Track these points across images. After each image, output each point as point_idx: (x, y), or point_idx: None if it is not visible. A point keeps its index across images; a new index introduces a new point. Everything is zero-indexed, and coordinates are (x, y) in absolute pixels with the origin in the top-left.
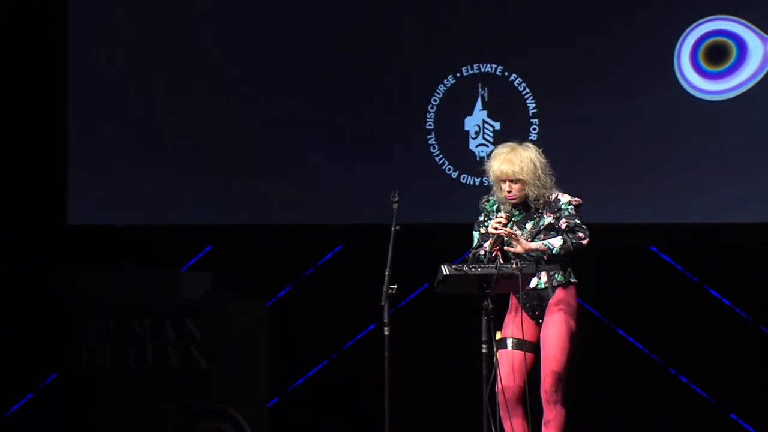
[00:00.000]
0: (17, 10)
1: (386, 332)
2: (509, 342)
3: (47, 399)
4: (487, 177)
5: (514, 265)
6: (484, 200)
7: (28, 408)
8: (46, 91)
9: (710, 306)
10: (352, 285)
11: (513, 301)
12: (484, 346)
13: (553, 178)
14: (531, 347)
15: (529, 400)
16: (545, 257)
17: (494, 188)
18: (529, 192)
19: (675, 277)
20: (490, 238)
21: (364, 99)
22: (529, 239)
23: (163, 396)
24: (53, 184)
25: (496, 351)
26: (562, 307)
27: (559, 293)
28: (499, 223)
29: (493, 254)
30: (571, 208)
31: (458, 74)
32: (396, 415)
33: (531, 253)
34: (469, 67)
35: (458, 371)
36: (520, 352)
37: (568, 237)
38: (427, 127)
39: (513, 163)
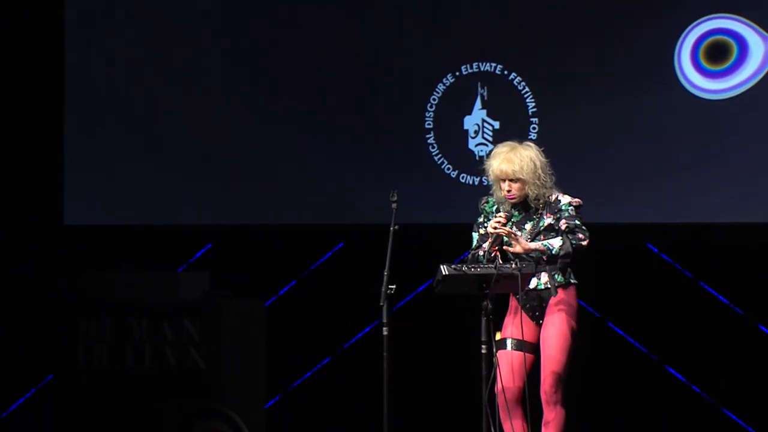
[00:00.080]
0: (13, 9)
1: (385, 332)
2: (509, 342)
3: (44, 399)
4: (487, 176)
5: (513, 266)
6: (483, 201)
7: (25, 408)
8: (43, 91)
9: (710, 306)
10: (350, 285)
11: (513, 301)
12: (483, 346)
13: (554, 178)
14: (531, 348)
15: (529, 400)
16: (544, 258)
17: (494, 187)
18: (529, 191)
19: (675, 277)
20: (489, 238)
21: (363, 98)
22: (529, 240)
23: (161, 396)
24: (50, 184)
25: (496, 351)
26: (562, 307)
27: (559, 294)
28: (498, 222)
29: (492, 254)
30: (572, 209)
31: (457, 73)
32: (395, 415)
33: (530, 254)
34: (468, 65)
35: (457, 372)
36: (519, 353)
37: (568, 238)
38: (426, 126)
39: (513, 162)
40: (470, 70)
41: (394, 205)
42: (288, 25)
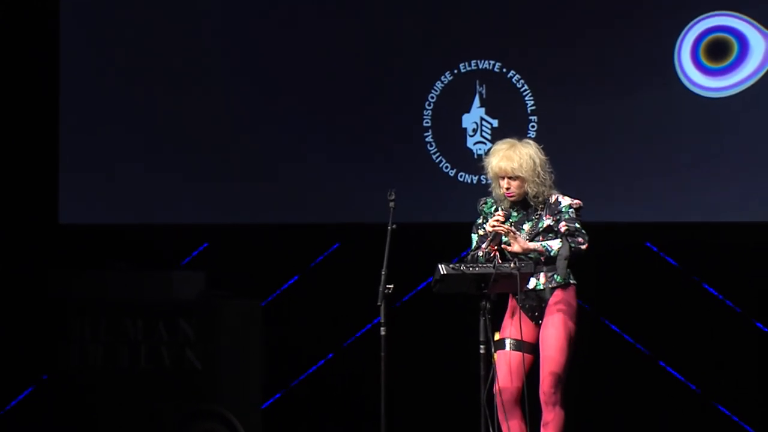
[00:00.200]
0: (9, 7)
1: (383, 332)
2: (508, 343)
3: (38, 400)
4: (486, 174)
5: (512, 265)
6: (482, 202)
7: (19, 410)
8: (38, 89)
9: (710, 305)
10: (348, 285)
11: (512, 301)
12: (481, 346)
13: (553, 176)
14: (530, 348)
15: (528, 401)
16: (542, 259)
17: (492, 185)
18: (528, 189)
19: (675, 277)
20: (488, 237)
21: (361, 96)
22: (528, 240)
23: (157, 397)
24: (45, 182)
25: (495, 352)
26: (561, 307)
27: (559, 294)
28: (497, 221)
29: (492, 254)
30: (572, 212)
31: (455, 71)
32: (393, 416)
33: (529, 254)
34: (466, 63)
35: (456, 372)
36: (518, 353)
37: (568, 241)
38: (425, 124)
39: (512, 159)
40: (469, 68)
41: (391, 204)
42: (286, 24)
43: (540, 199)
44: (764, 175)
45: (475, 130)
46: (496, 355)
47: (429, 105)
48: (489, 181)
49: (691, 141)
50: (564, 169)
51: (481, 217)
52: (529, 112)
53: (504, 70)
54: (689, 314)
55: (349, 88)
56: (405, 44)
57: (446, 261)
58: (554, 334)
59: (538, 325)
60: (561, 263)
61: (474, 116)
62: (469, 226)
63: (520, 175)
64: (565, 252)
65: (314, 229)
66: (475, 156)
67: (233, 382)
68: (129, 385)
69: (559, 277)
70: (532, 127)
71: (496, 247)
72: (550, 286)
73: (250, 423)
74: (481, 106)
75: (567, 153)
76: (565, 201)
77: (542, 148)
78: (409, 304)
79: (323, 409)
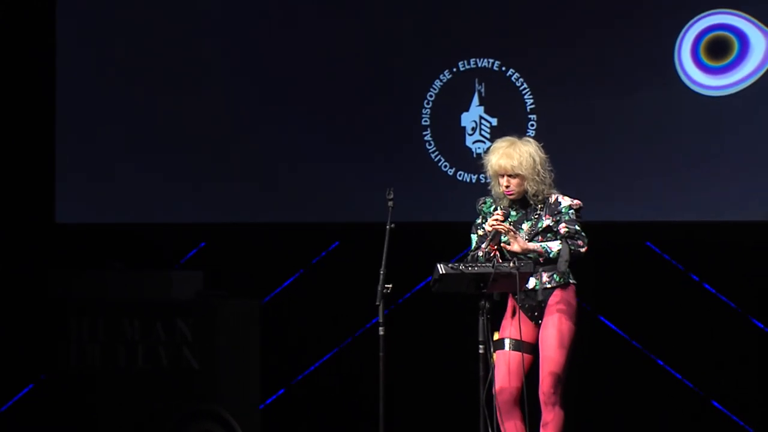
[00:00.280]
0: (5, 6)
1: (381, 332)
2: (507, 343)
3: (35, 400)
4: (485, 171)
5: (511, 265)
6: (481, 202)
7: (16, 410)
8: (34, 88)
9: (710, 304)
10: (346, 284)
11: (511, 301)
12: (480, 346)
13: (553, 174)
14: (529, 348)
15: (528, 401)
16: (541, 260)
17: (492, 183)
18: (528, 187)
19: (675, 276)
20: (488, 236)
21: (359, 95)
22: (527, 240)
23: (154, 397)
24: (41, 182)
25: (494, 352)
26: (561, 307)
27: (559, 293)
28: (496, 220)
29: (491, 253)
30: (572, 213)
31: (454, 69)
32: (391, 416)
33: (528, 254)
34: (465, 61)
35: (455, 372)
36: (517, 353)
37: (567, 243)
38: (423, 123)
39: (512, 157)
40: (467, 66)
41: (390, 203)
42: (284, 22)
43: (539, 197)
44: (765, 174)
45: (474, 129)
46: (495, 355)
47: (428, 103)
48: (488, 180)
49: (692, 140)
50: (563, 168)
51: (480, 216)
52: (528, 110)
53: (503, 68)
54: (689, 314)
55: (347, 86)
56: (404, 43)
57: (445, 260)
58: (554, 334)
59: (538, 325)
60: (562, 266)
61: (473, 115)
62: (468, 226)
63: (520, 173)
64: (566, 255)
65: (313, 228)
66: (474, 155)
67: (231, 382)
68: (126, 385)
69: (558, 277)
70: (532, 125)
71: (495, 247)
72: (544, 287)
73: (248, 423)
74: (480, 105)
75: (566, 152)
76: (565, 201)
77: (542, 147)
78: (407, 304)
79: (322, 409)
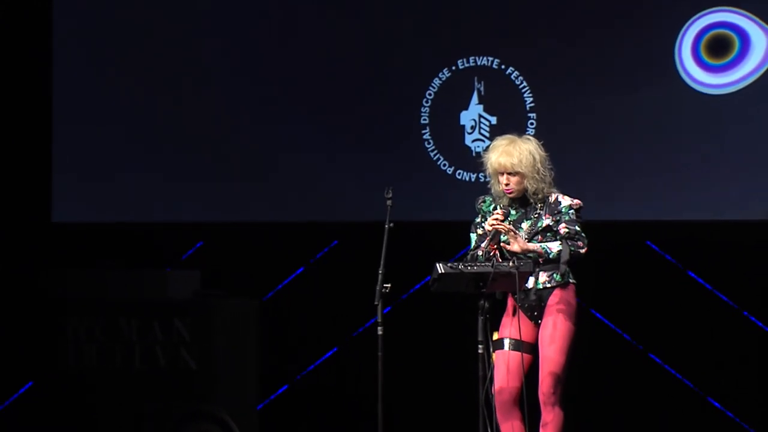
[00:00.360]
0: (2, 4)
1: (380, 332)
2: (507, 342)
3: (32, 401)
4: (485, 170)
5: (511, 264)
6: (480, 201)
7: (11, 409)
8: (31, 87)
9: (710, 304)
10: (345, 284)
11: (511, 301)
12: (480, 346)
13: (553, 173)
14: (529, 348)
15: (527, 401)
16: (541, 260)
17: (492, 181)
18: (528, 186)
19: (675, 275)
20: (487, 236)
21: (358, 94)
22: (526, 240)
23: (151, 397)
24: (38, 181)
25: (493, 351)
26: (561, 307)
27: (558, 293)
28: (496, 219)
29: (491, 252)
30: (572, 213)
31: (453, 67)
32: (390, 416)
33: (528, 254)
34: (464, 60)
35: (454, 372)
36: (517, 353)
37: (567, 244)
38: (422, 121)
39: (512, 155)
40: (467, 65)
41: (389, 202)
42: (283, 22)
43: (539, 196)
44: (765, 174)
45: (473, 128)
46: (494, 355)
47: (427, 102)
48: (488, 179)
49: (692, 138)
50: (563, 167)
51: (480, 215)
52: (528, 109)
53: (503, 66)
54: (689, 313)
55: (346, 85)
56: (402, 40)
57: (444, 260)
58: (553, 334)
59: (537, 325)
60: (561, 268)
61: (472, 113)
62: (468, 225)
63: (520, 170)
64: (566, 257)
65: (311, 227)
66: (474, 154)
67: (229, 383)
68: (123, 385)
69: (558, 276)
70: (531, 124)
71: (495, 246)
72: (544, 286)
73: (246, 424)
74: (480, 103)
75: (566, 150)
76: (565, 201)
77: (542, 145)
78: (406, 304)
79: (320, 409)
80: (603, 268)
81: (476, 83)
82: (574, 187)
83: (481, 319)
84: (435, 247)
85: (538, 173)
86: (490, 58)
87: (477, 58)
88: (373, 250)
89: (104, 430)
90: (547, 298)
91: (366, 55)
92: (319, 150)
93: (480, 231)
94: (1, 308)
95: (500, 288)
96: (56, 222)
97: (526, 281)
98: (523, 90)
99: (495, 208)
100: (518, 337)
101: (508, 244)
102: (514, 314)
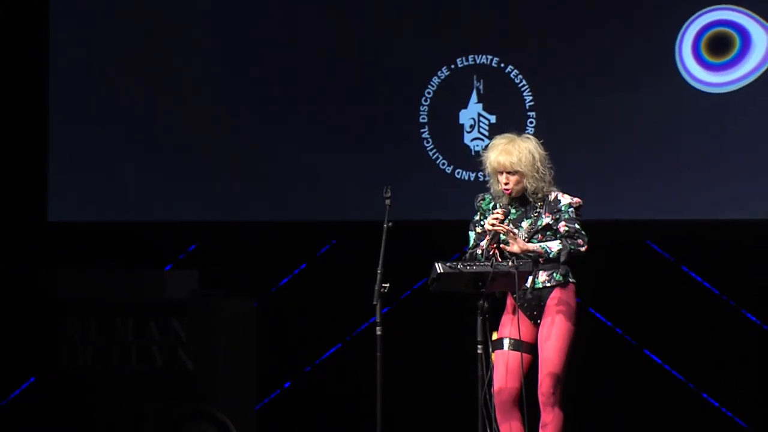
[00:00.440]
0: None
1: (378, 332)
2: (506, 342)
3: (26, 401)
4: (484, 168)
5: (510, 263)
6: (479, 198)
7: (7, 410)
8: (27, 86)
9: (710, 303)
10: (343, 283)
11: (510, 300)
12: (479, 346)
13: (552, 172)
14: (528, 348)
15: (527, 402)
16: (541, 260)
17: (491, 181)
18: (528, 185)
19: (675, 275)
20: (487, 235)
21: (356, 92)
22: (526, 239)
23: (148, 398)
24: (33, 179)
25: (493, 351)
26: (560, 307)
27: (558, 293)
28: (496, 219)
29: (491, 252)
30: (572, 211)
31: (452, 66)
32: (388, 417)
33: (528, 254)
34: (463, 58)
35: (453, 372)
36: (516, 353)
37: (567, 242)
38: (421, 120)
39: (511, 154)
40: (466, 63)
41: (387, 202)
42: (282, 21)
43: (539, 195)
44: (765, 173)
45: (472, 127)
46: (494, 355)
47: (425, 101)
48: (487, 178)
49: (693, 137)
50: (563, 166)
51: (479, 213)
52: (527, 107)
53: (502, 65)
54: (689, 312)
55: (343, 83)
56: (401, 38)
57: (443, 259)
58: (553, 335)
59: (537, 325)
60: (562, 268)
61: (471, 112)
62: (467, 224)
63: (519, 169)
64: (565, 257)
65: (309, 226)
66: (473, 153)
67: (226, 383)
68: (120, 386)
69: (558, 276)
70: (531, 123)
71: (495, 246)
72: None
73: (244, 424)
74: (479, 102)
75: (566, 149)
76: (565, 199)
77: (541, 144)
78: (405, 303)
79: (318, 410)
80: (603, 267)
81: (475, 82)
82: (573, 185)
83: (480, 319)
84: (434, 247)
85: (537, 172)
86: (490, 57)
87: (476, 57)
88: (371, 250)
89: (101, 431)
90: (547, 298)
91: (364, 54)
92: (317, 149)
93: (479, 229)
94: None
95: (499, 288)
96: (52, 221)
97: (526, 280)
98: (523, 88)
99: (494, 206)
100: (518, 337)
101: (507, 244)
102: (513, 314)
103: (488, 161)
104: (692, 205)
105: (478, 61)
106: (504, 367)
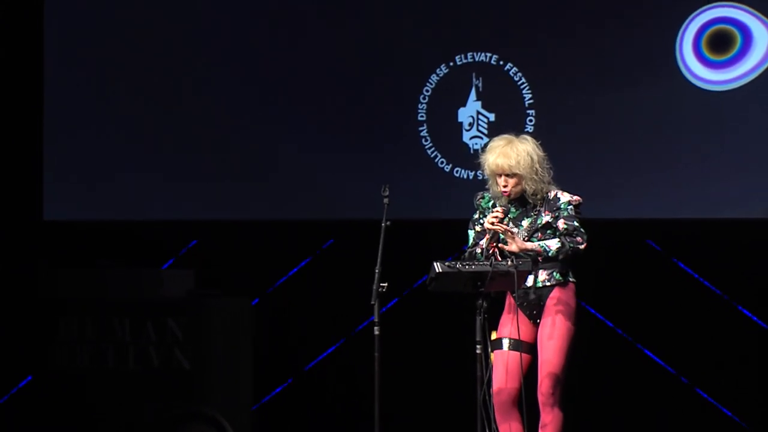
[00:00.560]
0: None
1: (377, 332)
2: (505, 342)
3: (23, 402)
4: (482, 171)
5: (509, 263)
6: (479, 197)
7: (4, 410)
8: (22, 85)
9: (710, 302)
10: (341, 283)
11: (509, 300)
12: (477, 346)
13: (551, 172)
14: (528, 348)
15: (526, 402)
16: (540, 259)
17: (489, 182)
18: (527, 187)
19: (675, 274)
20: (487, 234)
21: (354, 90)
22: (526, 237)
23: (144, 398)
24: (29, 178)
25: (492, 351)
26: (560, 307)
27: (558, 292)
28: (496, 218)
29: (490, 251)
30: (571, 209)
31: (451, 63)
32: (387, 417)
33: (527, 253)
34: (462, 56)
35: (452, 372)
36: (516, 353)
37: (566, 240)
38: (419, 118)
39: (509, 156)
40: (465, 60)
41: (385, 200)
42: (278, 18)
43: (539, 196)
44: (766, 172)
45: (471, 125)
46: (493, 355)
47: (424, 99)
48: (486, 177)
49: (693, 135)
50: (562, 164)
51: (478, 212)
52: (526, 105)
53: (501, 62)
54: (689, 311)
55: (342, 82)
56: (399, 35)
57: (442, 258)
58: (553, 334)
59: (537, 324)
60: (558, 265)
61: (470, 110)
62: (466, 223)
63: (518, 172)
64: (564, 256)
65: (307, 225)
66: (472, 151)
67: (223, 383)
68: (116, 386)
69: (558, 275)
70: (530, 121)
71: (495, 245)
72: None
73: (240, 424)
74: (478, 100)
75: (566, 148)
76: (565, 197)
77: (540, 144)
78: (404, 303)
79: (316, 410)
80: (602, 266)
81: (474, 79)
82: (573, 184)
83: (479, 318)
84: (432, 246)
85: (536, 174)
86: (489, 54)
87: (475, 54)
88: (369, 249)
89: (97, 431)
90: (547, 297)
91: (363, 53)
92: (315, 147)
93: (478, 228)
94: None
95: (499, 287)
96: (48, 220)
97: (526, 279)
98: (522, 86)
99: (494, 205)
100: (517, 337)
101: (506, 244)
102: (512, 313)
103: (486, 164)
104: (692, 204)
105: (477, 59)
106: (503, 367)
